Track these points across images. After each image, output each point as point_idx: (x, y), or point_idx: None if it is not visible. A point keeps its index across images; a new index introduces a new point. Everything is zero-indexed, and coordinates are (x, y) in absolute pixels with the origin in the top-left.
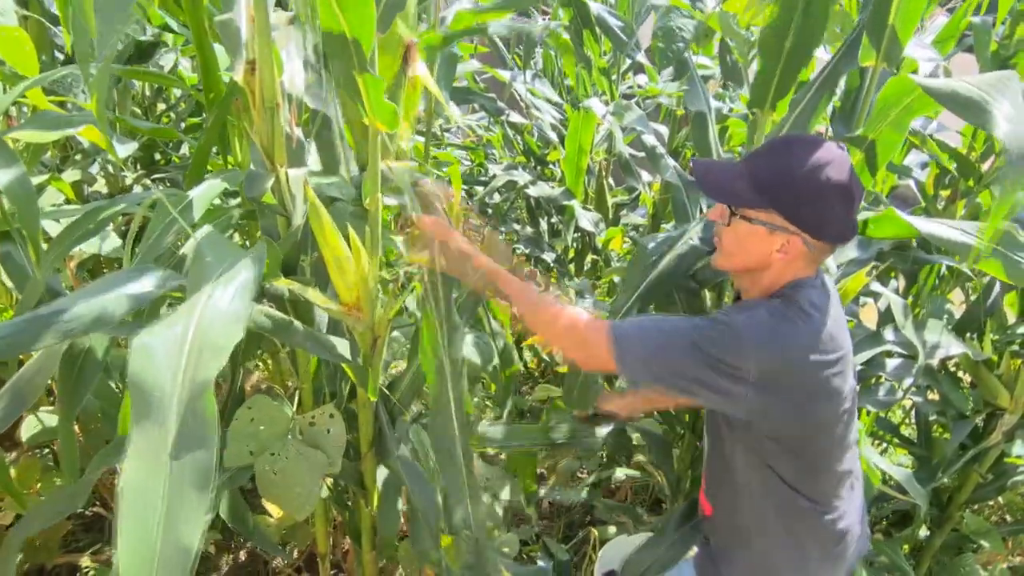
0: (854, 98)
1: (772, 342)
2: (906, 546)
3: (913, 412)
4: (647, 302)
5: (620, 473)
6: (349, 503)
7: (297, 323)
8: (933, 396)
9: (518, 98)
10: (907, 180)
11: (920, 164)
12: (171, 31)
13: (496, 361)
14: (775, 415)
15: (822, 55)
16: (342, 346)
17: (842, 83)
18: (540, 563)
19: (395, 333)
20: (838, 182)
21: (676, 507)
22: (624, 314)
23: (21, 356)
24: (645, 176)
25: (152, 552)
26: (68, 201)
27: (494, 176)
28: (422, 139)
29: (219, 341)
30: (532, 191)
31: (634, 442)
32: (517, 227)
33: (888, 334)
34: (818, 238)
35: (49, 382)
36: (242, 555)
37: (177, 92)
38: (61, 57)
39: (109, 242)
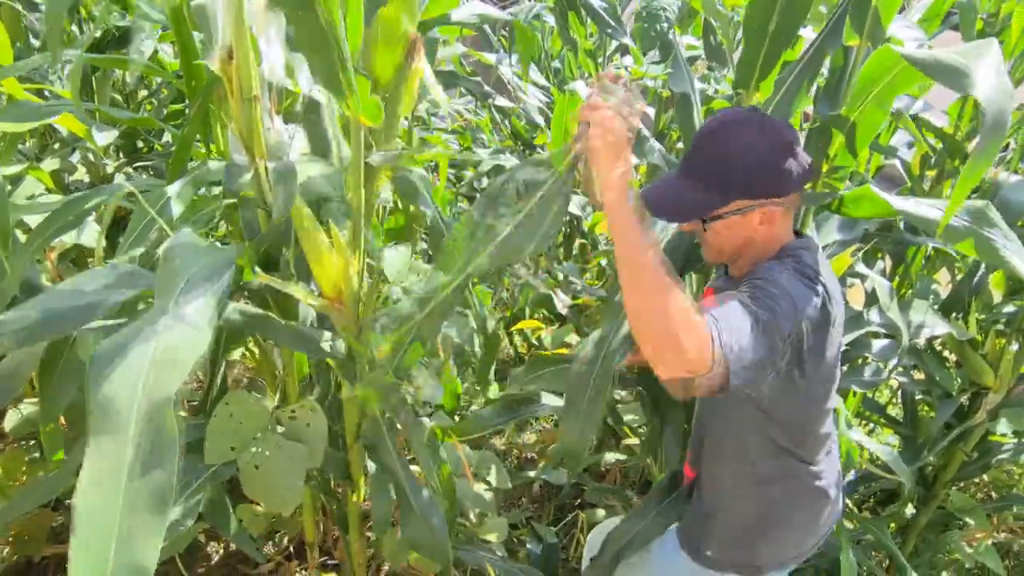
0: (838, 77)
1: (809, 304)
2: (892, 524)
3: (899, 392)
4: None
5: (610, 456)
6: (337, 492)
7: (275, 318)
8: (919, 376)
9: (505, 81)
10: (893, 160)
11: (906, 144)
12: (148, 19)
13: (477, 340)
14: (792, 377)
15: (807, 34)
16: (325, 340)
17: (828, 63)
18: (529, 546)
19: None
20: (768, 139)
21: (660, 479)
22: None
23: None
24: (632, 159)
25: (107, 572)
26: (48, 190)
27: (481, 161)
28: (406, 123)
29: (181, 356)
30: (519, 175)
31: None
32: None
33: (873, 315)
34: (785, 194)
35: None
36: (232, 544)
37: (158, 78)
38: (36, 44)
39: (89, 232)
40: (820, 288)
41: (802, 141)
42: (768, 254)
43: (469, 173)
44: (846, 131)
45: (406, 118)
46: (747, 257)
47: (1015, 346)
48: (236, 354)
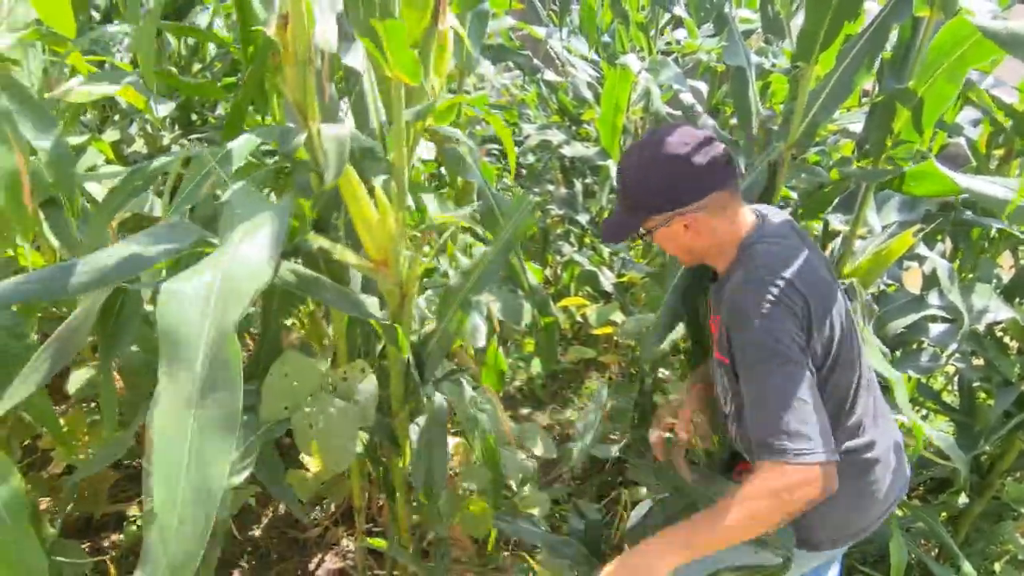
0: (905, 50)
1: (787, 320)
2: (944, 513)
3: (956, 378)
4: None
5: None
6: (384, 459)
7: (324, 279)
8: (978, 362)
9: (553, 55)
10: (958, 138)
11: (972, 122)
12: None
13: (528, 319)
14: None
15: (871, 6)
16: (372, 304)
17: (893, 35)
18: (571, 522)
19: (429, 293)
20: (677, 150)
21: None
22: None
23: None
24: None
25: (180, 492)
26: (108, 161)
27: (528, 136)
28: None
29: (243, 287)
30: (566, 151)
31: None
32: (551, 188)
33: (932, 298)
34: (708, 193)
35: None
36: (281, 508)
37: (212, 51)
38: (98, 17)
39: (147, 200)
40: (784, 289)
41: (712, 139)
42: (726, 249)
43: (516, 149)
44: (913, 106)
45: (451, 89)
46: (711, 255)
47: None
48: (288, 323)
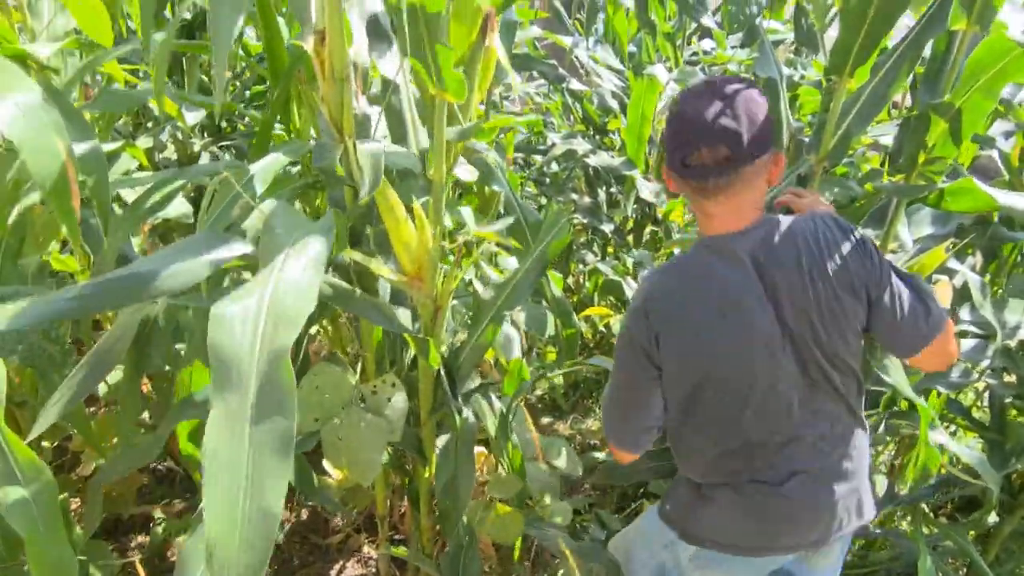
0: (940, 63)
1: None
2: (973, 532)
3: (986, 395)
4: None
5: None
6: (408, 468)
7: (360, 292)
8: (1009, 379)
9: (578, 65)
10: (989, 151)
11: (1004, 134)
12: None
13: (551, 330)
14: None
15: (904, 20)
16: (404, 316)
17: (927, 48)
18: (592, 533)
19: (455, 303)
20: (672, 109)
21: None
22: None
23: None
24: None
25: (238, 517)
26: (141, 167)
27: (553, 145)
28: (482, 106)
29: (292, 312)
30: (592, 161)
31: None
32: (575, 197)
33: (964, 313)
34: (669, 164)
35: None
36: (303, 514)
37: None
38: (133, 26)
39: (175, 206)
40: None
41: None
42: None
43: (540, 158)
44: (950, 119)
45: (483, 102)
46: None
47: None
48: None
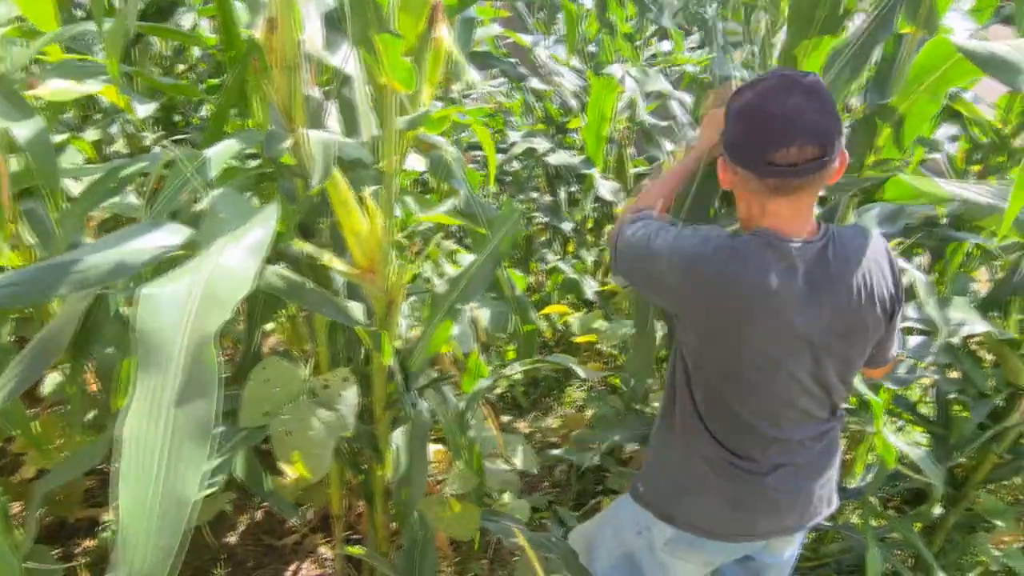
0: (888, 66)
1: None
2: (919, 524)
3: (932, 390)
4: None
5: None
6: (363, 466)
7: (311, 285)
8: (953, 375)
9: (538, 64)
10: (936, 155)
11: (949, 138)
12: None
13: (512, 326)
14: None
15: (855, 21)
16: (357, 310)
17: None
18: (552, 529)
19: (413, 299)
20: (749, 101)
21: None
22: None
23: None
24: (667, 146)
25: (150, 500)
26: (89, 160)
27: (513, 143)
28: (441, 104)
29: (225, 295)
30: (551, 159)
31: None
32: (535, 195)
33: (910, 311)
34: (732, 159)
35: None
36: (258, 515)
37: (196, 53)
38: (80, 13)
39: (127, 201)
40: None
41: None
42: (746, 228)
43: (501, 157)
44: (894, 122)
45: (440, 99)
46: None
47: None
48: (268, 326)
